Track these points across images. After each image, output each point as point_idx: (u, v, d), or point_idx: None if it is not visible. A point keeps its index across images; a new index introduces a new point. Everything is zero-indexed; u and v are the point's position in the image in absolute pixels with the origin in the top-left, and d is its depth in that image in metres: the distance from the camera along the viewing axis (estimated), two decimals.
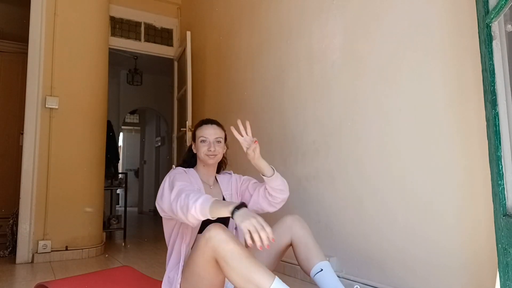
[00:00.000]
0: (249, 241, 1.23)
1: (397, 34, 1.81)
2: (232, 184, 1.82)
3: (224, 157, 1.80)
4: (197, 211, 1.32)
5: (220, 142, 1.72)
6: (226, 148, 1.78)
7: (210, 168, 1.75)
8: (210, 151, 1.67)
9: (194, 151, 1.76)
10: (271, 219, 1.57)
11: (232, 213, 1.28)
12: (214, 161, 1.71)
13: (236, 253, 1.30)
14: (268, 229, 1.23)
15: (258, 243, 1.21)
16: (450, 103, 1.57)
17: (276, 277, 1.30)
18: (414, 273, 1.67)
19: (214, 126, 1.75)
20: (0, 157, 3.95)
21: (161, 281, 1.67)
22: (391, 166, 1.81)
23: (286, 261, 2.39)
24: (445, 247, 1.56)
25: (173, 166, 1.79)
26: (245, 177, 1.86)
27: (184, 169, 1.70)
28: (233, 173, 1.88)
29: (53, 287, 1.84)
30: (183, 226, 1.58)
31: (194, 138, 1.76)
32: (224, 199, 1.75)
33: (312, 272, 1.55)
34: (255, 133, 1.73)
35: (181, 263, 1.54)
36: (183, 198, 1.37)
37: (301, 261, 1.60)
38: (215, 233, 1.33)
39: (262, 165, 1.66)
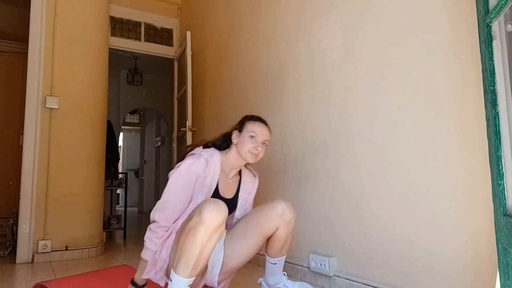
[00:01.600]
0: None
1: (397, 34, 1.81)
2: (254, 188, 1.82)
3: None
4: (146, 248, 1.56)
5: (266, 146, 1.69)
6: None
7: (241, 162, 1.70)
8: (257, 149, 1.64)
9: (234, 141, 1.69)
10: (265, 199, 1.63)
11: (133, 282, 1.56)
12: (254, 161, 1.67)
13: (200, 233, 1.36)
14: None
15: None
16: (450, 103, 1.57)
17: (190, 279, 1.39)
18: (414, 272, 1.67)
19: (267, 128, 1.71)
20: (0, 157, 3.96)
21: None
22: (391, 165, 1.81)
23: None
24: (445, 247, 1.56)
25: (201, 148, 1.65)
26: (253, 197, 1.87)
27: (210, 157, 1.61)
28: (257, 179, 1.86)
29: (52, 286, 1.84)
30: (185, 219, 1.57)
31: (240, 128, 1.69)
32: (236, 197, 1.75)
33: (268, 259, 1.77)
34: None
35: (169, 251, 1.56)
36: (150, 232, 1.56)
37: (268, 246, 1.72)
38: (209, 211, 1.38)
39: None
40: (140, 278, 1.56)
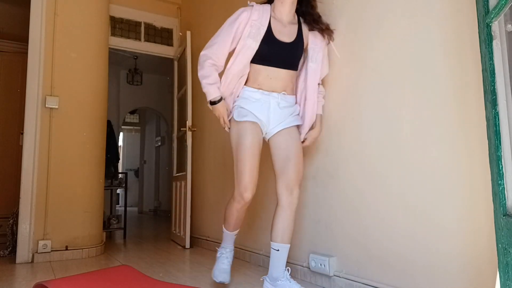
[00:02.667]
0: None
1: (397, 33, 1.81)
2: (322, 44, 2.02)
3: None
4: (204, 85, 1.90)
5: None
6: None
7: (287, 5, 1.90)
8: None
9: None
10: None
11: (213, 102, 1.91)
12: None
13: (237, 206, 1.95)
14: (225, 119, 1.98)
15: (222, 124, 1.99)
16: (450, 103, 1.57)
17: (235, 232, 2.12)
18: (414, 272, 1.67)
19: None
20: (0, 157, 3.96)
21: (161, 282, 1.68)
22: (391, 165, 1.81)
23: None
24: (445, 247, 1.56)
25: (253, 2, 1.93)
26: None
27: (260, 5, 1.89)
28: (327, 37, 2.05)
29: (52, 286, 1.84)
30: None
31: None
32: (298, 40, 1.94)
33: (272, 245, 1.89)
34: None
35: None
36: (202, 69, 1.90)
37: (272, 226, 1.92)
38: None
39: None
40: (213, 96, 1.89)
